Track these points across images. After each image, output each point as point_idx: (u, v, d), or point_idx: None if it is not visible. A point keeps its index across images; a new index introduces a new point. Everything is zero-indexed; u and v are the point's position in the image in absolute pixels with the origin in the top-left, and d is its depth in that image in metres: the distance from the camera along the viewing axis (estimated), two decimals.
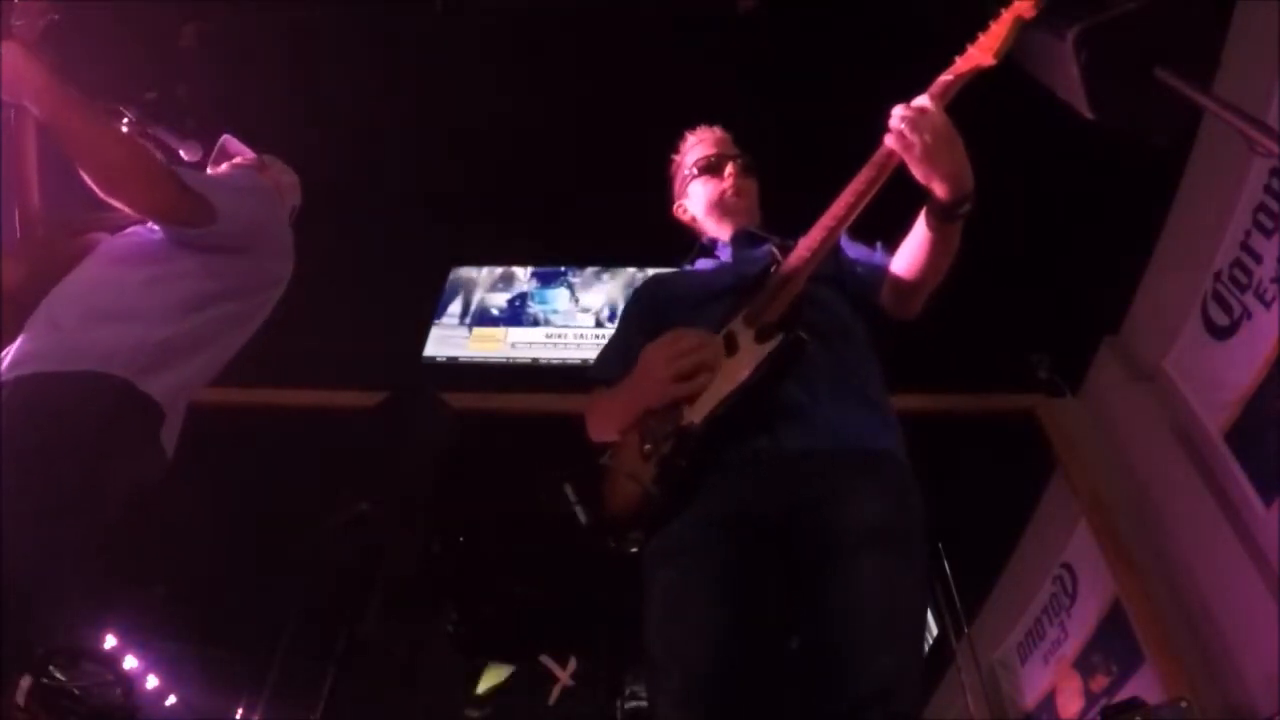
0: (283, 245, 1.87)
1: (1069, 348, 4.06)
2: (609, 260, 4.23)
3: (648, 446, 1.39)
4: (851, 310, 1.58)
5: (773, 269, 1.44)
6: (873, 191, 1.39)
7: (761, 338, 1.36)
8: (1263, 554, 2.94)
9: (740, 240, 1.74)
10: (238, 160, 2.05)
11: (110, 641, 5.14)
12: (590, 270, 4.26)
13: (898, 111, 1.32)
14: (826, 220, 1.42)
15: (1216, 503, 3.17)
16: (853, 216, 1.41)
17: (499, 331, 4.12)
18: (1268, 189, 2.85)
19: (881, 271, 1.53)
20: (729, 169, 1.77)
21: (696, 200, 1.81)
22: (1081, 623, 4.15)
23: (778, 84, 3.44)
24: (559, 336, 4.07)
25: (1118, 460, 3.84)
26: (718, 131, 1.88)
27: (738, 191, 1.76)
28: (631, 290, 1.88)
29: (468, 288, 4.28)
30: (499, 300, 4.24)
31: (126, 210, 1.60)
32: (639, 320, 1.71)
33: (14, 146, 1.70)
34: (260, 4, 3.30)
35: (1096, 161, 3.00)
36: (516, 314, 4.18)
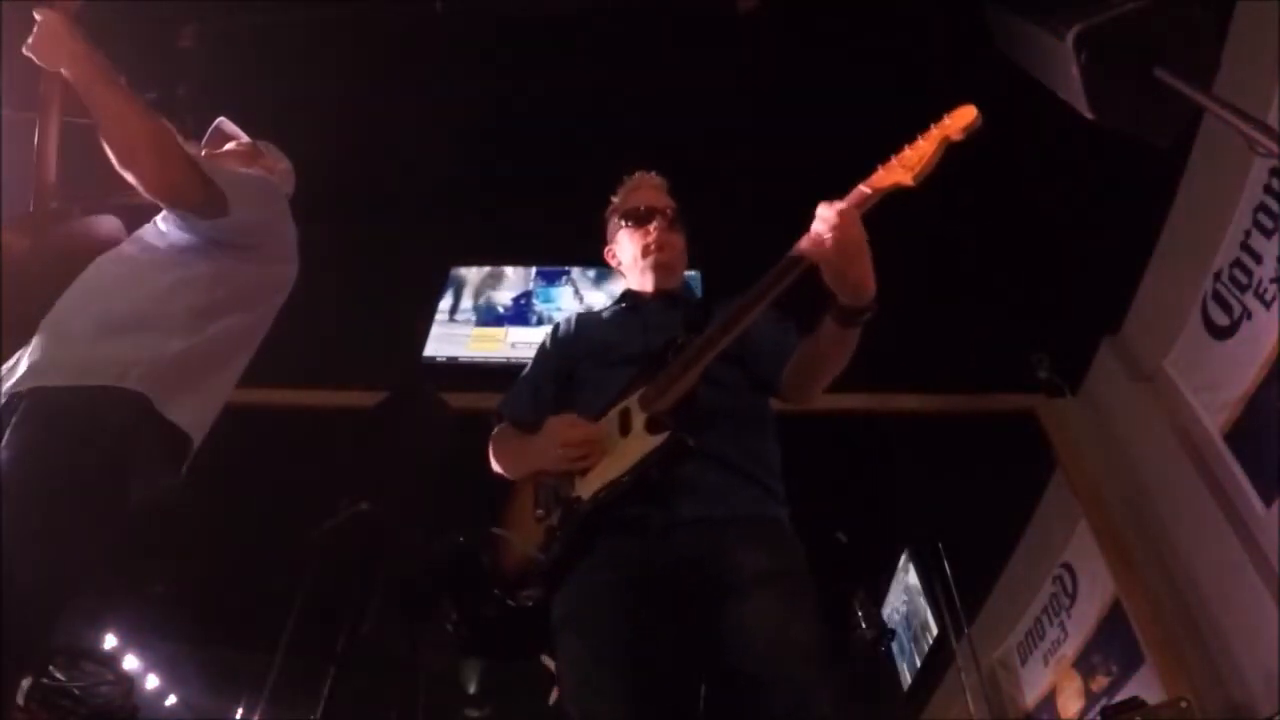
0: (289, 246, 1.86)
1: (1069, 348, 4.06)
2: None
3: (539, 512, 1.50)
4: (750, 389, 1.65)
5: (675, 350, 1.52)
6: (777, 290, 1.43)
7: (651, 427, 1.44)
8: (1263, 554, 2.94)
9: (659, 301, 1.80)
10: (232, 146, 2.04)
11: (110, 641, 5.15)
12: (587, 270, 4.25)
13: (821, 212, 1.35)
14: (730, 319, 1.47)
15: (1216, 503, 3.17)
16: (757, 312, 1.46)
17: (499, 331, 4.12)
18: (1268, 189, 2.85)
19: (784, 358, 1.60)
20: (655, 223, 1.81)
21: (623, 250, 1.87)
22: (1081, 623, 4.15)
23: (778, 84, 3.44)
24: None
25: (1118, 460, 3.84)
26: (654, 178, 1.92)
27: (660, 246, 1.80)
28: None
29: (469, 286, 4.28)
30: (504, 298, 4.23)
31: (139, 187, 1.59)
32: (552, 363, 1.79)
33: (40, 117, 1.70)
34: (260, 4, 3.30)
35: (1097, 161, 3.00)
36: (522, 312, 4.18)
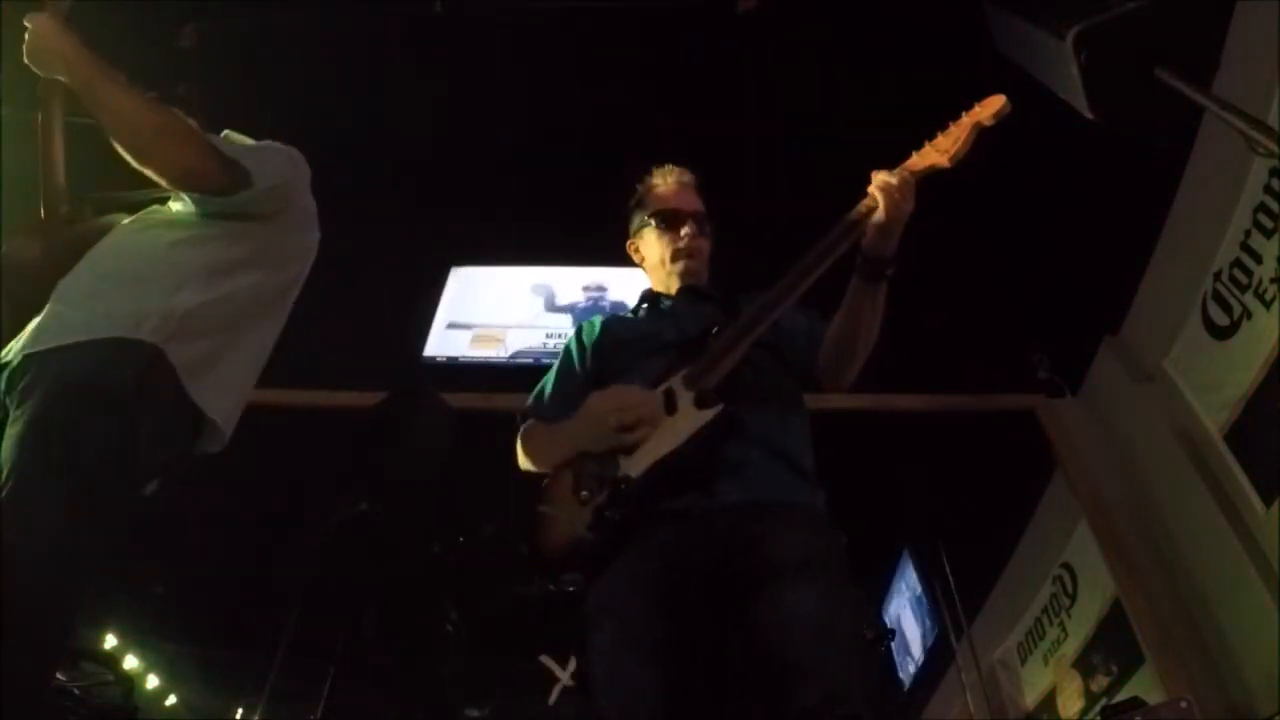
0: (308, 213, 1.81)
1: (1069, 348, 4.06)
2: (609, 260, 4.23)
3: (584, 493, 1.45)
4: (787, 376, 1.64)
5: (715, 331, 1.51)
6: (835, 255, 1.45)
7: (700, 403, 1.44)
8: (1263, 554, 2.94)
9: (686, 295, 1.77)
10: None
11: (110, 641, 5.15)
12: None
13: (883, 176, 1.43)
14: (775, 294, 1.47)
15: (1216, 503, 3.17)
16: (803, 287, 1.46)
17: (499, 332, 4.12)
18: (1268, 189, 2.85)
19: (817, 342, 1.61)
20: (686, 229, 1.78)
21: (649, 249, 1.83)
22: (1081, 623, 4.15)
23: (777, 84, 3.44)
24: (560, 337, 4.07)
25: (1118, 460, 3.84)
26: (685, 175, 1.88)
27: (690, 253, 1.78)
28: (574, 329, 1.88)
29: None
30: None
31: (159, 179, 1.54)
32: (580, 362, 1.74)
33: (43, 121, 1.65)
34: (260, 4, 3.30)
35: (1096, 161, 3.00)
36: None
